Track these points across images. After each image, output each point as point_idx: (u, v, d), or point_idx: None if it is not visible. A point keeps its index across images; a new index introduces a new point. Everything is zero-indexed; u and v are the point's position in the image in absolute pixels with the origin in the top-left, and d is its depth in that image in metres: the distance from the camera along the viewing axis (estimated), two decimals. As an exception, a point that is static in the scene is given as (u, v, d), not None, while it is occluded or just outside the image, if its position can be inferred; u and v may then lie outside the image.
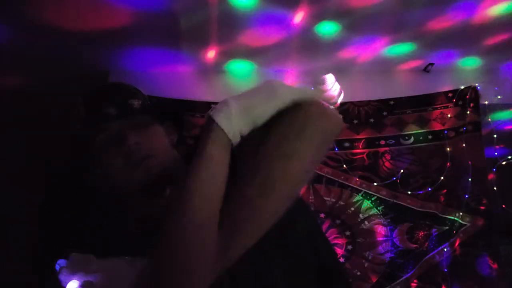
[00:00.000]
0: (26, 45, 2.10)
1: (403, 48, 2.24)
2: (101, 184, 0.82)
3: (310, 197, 2.18)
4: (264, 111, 0.60)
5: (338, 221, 2.18)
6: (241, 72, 2.35)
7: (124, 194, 0.79)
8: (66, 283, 0.68)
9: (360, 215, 2.19)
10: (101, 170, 0.79)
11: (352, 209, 2.19)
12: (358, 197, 2.20)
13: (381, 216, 2.18)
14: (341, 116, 0.68)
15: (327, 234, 2.17)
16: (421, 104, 2.32)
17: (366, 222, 2.18)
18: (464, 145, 2.18)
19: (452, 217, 2.13)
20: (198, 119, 2.23)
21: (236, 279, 0.63)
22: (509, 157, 2.28)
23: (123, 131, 0.76)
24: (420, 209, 2.17)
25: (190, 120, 2.25)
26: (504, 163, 2.26)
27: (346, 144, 2.27)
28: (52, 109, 2.79)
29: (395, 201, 2.19)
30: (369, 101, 2.33)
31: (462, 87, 2.28)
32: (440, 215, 2.15)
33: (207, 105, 2.29)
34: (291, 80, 2.36)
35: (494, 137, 2.25)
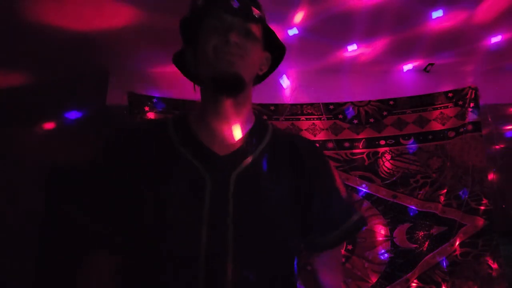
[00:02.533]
0: (26, 44, 2.10)
1: (403, 48, 2.24)
2: (189, 59, 0.95)
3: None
4: None
5: (338, 221, 2.18)
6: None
7: (202, 74, 0.90)
8: None
9: (360, 215, 2.18)
10: (196, 48, 0.91)
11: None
12: (358, 197, 2.20)
13: (381, 216, 2.18)
14: None
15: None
16: (421, 104, 2.32)
17: (366, 222, 2.18)
18: (464, 145, 2.17)
19: (452, 217, 2.13)
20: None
21: None
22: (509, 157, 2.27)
23: (232, 26, 0.87)
24: (420, 209, 2.17)
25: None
26: (504, 163, 2.25)
27: (346, 144, 2.27)
28: (52, 108, 2.79)
29: (395, 201, 2.19)
30: (369, 101, 2.33)
31: (462, 87, 2.28)
32: (440, 215, 2.15)
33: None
34: (290, 80, 2.37)
35: (494, 137, 2.24)
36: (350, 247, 2.15)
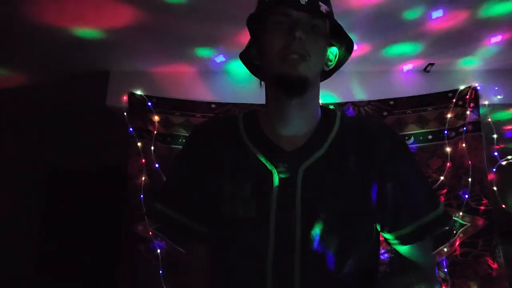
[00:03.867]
0: (26, 45, 2.10)
1: (403, 48, 2.24)
2: (254, 55, 0.95)
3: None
4: None
5: (338, 221, 2.18)
6: (241, 72, 2.35)
7: (266, 72, 0.91)
8: None
9: (360, 215, 2.18)
10: (261, 45, 0.90)
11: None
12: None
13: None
14: None
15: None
16: (421, 104, 2.31)
17: (366, 222, 2.18)
18: (464, 145, 2.17)
19: (452, 217, 2.13)
20: (198, 119, 2.23)
21: None
22: (509, 157, 2.27)
23: (298, 22, 0.83)
24: (420, 209, 2.17)
25: (190, 120, 2.25)
26: (504, 163, 2.25)
27: (346, 144, 2.26)
28: (52, 108, 2.79)
29: (395, 201, 2.19)
30: (369, 101, 2.33)
31: (462, 87, 2.28)
32: (440, 215, 2.14)
33: (207, 105, 2.29)
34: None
35: (494, 137, 2.24)
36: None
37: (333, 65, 0.98)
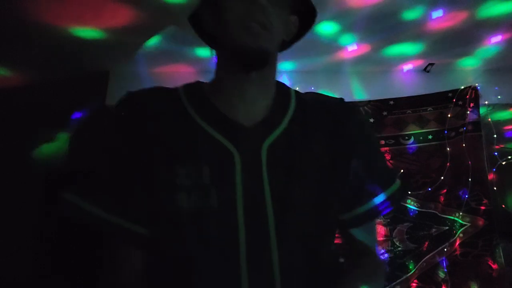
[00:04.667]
0: (26, 44, 2.10)
1: (403, 48, 2.24)
2: (206, 20, 0.82)
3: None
4: None
5: (338, 221, 2.18)
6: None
7: (221, 42, 0.80)
8: None
9: (360, 215, 2.19)
10: (215, 10, 0.78)
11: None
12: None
13: (381, 216, 2.18)
14: None
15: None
16: (421, 104, 2.31)
17: (366, 222, 2.18)
18: (464, 145, 2.17)
19: (452, 217, 2.13)
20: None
21: None
22: (509, 157, 2.27)
23: None
24: (420, 209, 2.17)
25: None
26: (504, 163, 2.25)
27: (346, 144, 2.26)
28: (52, 108, 2.79)
29: (395, 201, 2.19)
30: (369, 101, 2.33)
31: (462, 87, 2.28)
32: (440, 215, 2.14)
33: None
34: (290, 80, 2.36)
35: (494, 137, 2.24)
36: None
37: (293, 36, 0.87)
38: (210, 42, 0.89)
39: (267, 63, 0.77)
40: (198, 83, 0.84)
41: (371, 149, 0.88)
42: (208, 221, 0.68)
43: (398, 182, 0.87)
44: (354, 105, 0.96)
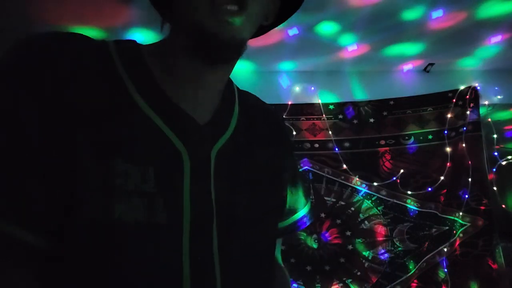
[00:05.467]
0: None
1: (403, 48, 2.24)
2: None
3: (311, 197, 2.18)
4: None
5: (338, 221, 2.18)
6: (241, 72, 2.35)
7: (182, 23, 0.59)
8: None
9: (360, 215, 2.19)
10: None
11: (352, 209, 2.20)
12: (358, 197, 2.21)
13: (381, 216, 2.18)
14: None
15: (327, 234, 2.18)
16: (421, 104, 2.32)
17: (366, 222, 2.18)
18: (464, 145, 2.18)
19: (452, 217, 2.13)
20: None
21: None
22: (509, 157, 2.27)
23: None
24: (420, 209, 2.17)
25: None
26: (504, 163, 2.25)
27: (346, 144, 2.27)
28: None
29: (395, 201, 2.19)
30: (369, 101, 2.34)
31: (462, 87, 2.28)
32: (440, 215, 2.15)
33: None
34: (290, 80, 2.37)
35: (494, 137, 2.25)
36: (350, 247, 2.15)
37: (272, 20, 0.68)
38: (164, 12, 0.68)
39: (238, 56, 0.60)
40: (135, 45, 0.62)
41: (297, 167, 0.85)
42: (147, 236, 0.52)
43: (309, 203, 0.84)
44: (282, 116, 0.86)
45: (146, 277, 0.51)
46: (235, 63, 0.64)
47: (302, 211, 0.80)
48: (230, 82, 0.70)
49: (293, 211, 0.79)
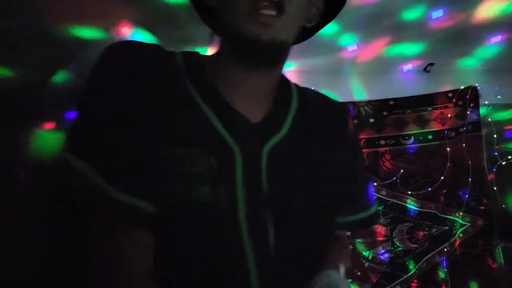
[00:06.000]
0: (26, 44, 2.10)
1: (403, 48, 2.24)
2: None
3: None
4: None
5: (338, 221, 2.18)
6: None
7: (225, 29, 0.64)
8: None
9: (360, 215, 2.19)
10: None
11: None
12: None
13: (381, 216, 2.18)
14: None
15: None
16: (421, 104, 2.32)
17: (366, 222, 2.18)
18: (464, 145, 2.17)
19: (452, 217, 2.13)
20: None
21: None
22: (509, 157, 2.27)
23: None
24: (420, 209, 2.17)
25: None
26: (504, 163, 2.25)
27: (346, 144, 2.27)
28: (52, 108, 2.79)
29: (395, 201, 2.19)
30: (369, 101, 2.33)
31: (462, 87, 2.28)
32: (440, 215, 2.15)
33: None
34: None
35: (494, 137, 2.24)
36: (350, 247, 2.15)
37: (316, 22, 0.71)
38: (211, 23, 0.73)
39: (281, 59, 0.65)
40: (198, 56, 0.69)
41: (362, 166, 0.84)
42: (210, 218, 0.59)
43: (375, 206, 0.84)
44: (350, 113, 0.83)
45: (214, 252, 0.58)
46: (282, 65, 0.69)
47: (370, 210, 0.79)
48: (285, 81, 0.74)
49: (360, 207, 0.78)
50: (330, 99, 0.81)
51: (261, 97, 0.67)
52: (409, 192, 2.19)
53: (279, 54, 0.63)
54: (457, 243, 2.10)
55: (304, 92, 0.76)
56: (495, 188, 2.18)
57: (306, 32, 0.72)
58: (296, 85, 0.77)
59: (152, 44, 0.67)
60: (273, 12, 0.58)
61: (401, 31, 2.06)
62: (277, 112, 0.68)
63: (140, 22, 1.92)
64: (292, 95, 0.73)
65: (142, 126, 0.58)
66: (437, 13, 1.92)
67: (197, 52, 0.69)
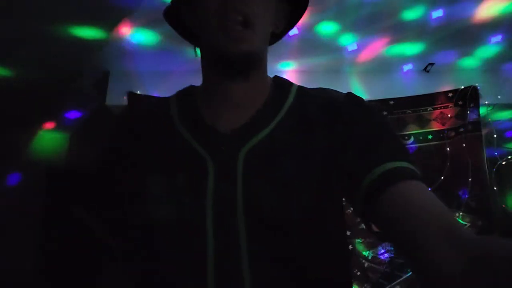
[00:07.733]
0: (26, 44, 2.10)
1: (403, 48, 2.24)
2: (186, 17, 0.72)
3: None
4: None
5: (338, 221, 2.18)
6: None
7: (203, 42, 0.70)
8: None
9: (360, 215, 2.19)
10: (192, 7, 0.69)
11: (352, 208, 2.19)
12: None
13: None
14: None
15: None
16: (421, 104, 2.32)
17: (366, 222, 2.18)
18: (464, 145, 2.17)
19: (452, 217, 2.13)
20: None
21: None
22: (509, 157, 2.27)
23: None
24: (420, 209, 2.17)
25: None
26: (504, 163, 2.25)
27: (346, 144, 2.27)
28: (52, 108, 2.79)
29: (395, 201, 2.19)
30: (369, 101, 2.33)
31: (462, 87, 2.28)
32: (440, 215, 2.15)
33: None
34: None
35: (494, 137, 2.24)
36: (350, 247, 2.15)
37: (283, 27, 0.75)
38: (191, 38, 0.78)
39: (254, 66, 0.68)
40: (190, 88, 0.78)
41: (375, 128, 0.67)
42: (177, 232, 0.62)
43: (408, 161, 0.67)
44: (362, 100, 0.73)
45: (175, 267, 0.61)
46: (261, 71, 0.73)
47: (400, 162, 0.65)
48: (282, 83, 0.76)
49: (384, 156, 0.64)
50: (331, 90, 0.78)
51: (246, 103, 0.70)
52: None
53: (252, 63, 0.67)
54: (457, 243, 2.10)
55: (304, 90, 0.77)
56: (495, 188, 2.17)
57: (275, 36, 0.76)
58: (301, 87, 0.77)
59: (154, 97, 0.82)
60: (240, 28, 0.62)
61: (401, 31, 2.06)
62: (264, 113, 0.69)
63: (140, 21, 1.92)
64: (289, 94, 0.74)
65: (129, 164, 0.70)
66: (437, 13, 1.92)
67: (191, 86, 0.78)
